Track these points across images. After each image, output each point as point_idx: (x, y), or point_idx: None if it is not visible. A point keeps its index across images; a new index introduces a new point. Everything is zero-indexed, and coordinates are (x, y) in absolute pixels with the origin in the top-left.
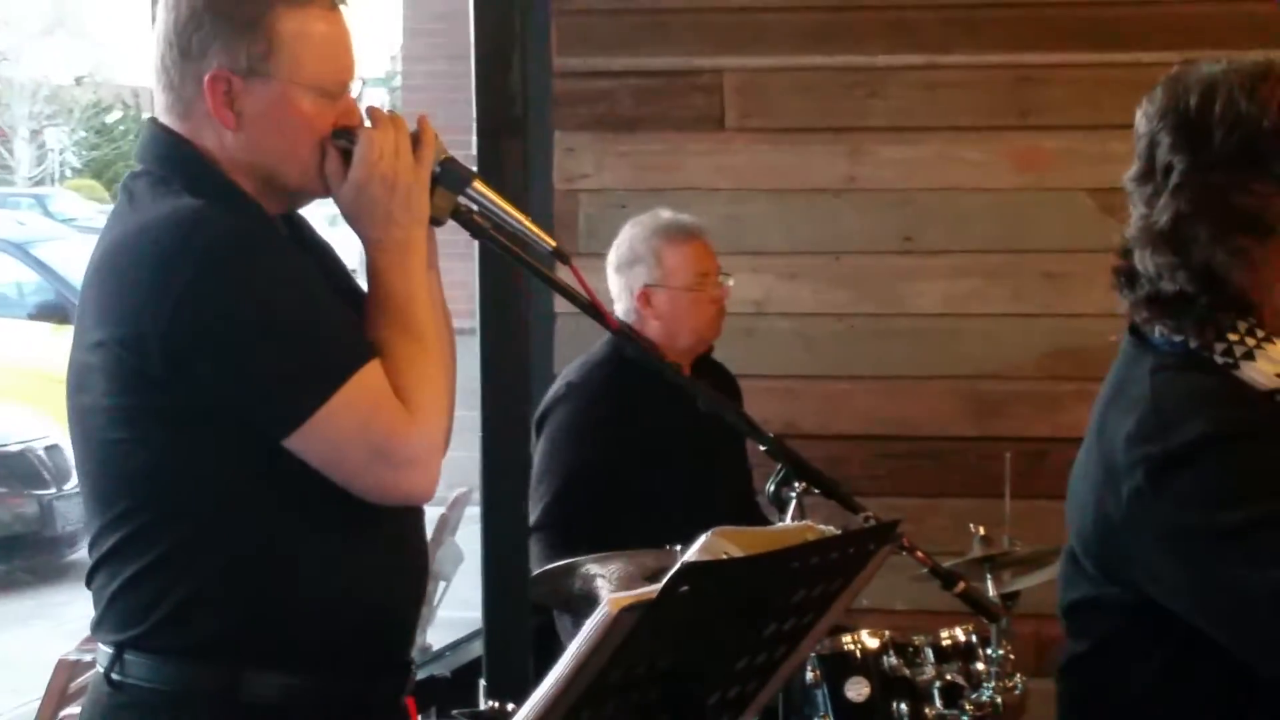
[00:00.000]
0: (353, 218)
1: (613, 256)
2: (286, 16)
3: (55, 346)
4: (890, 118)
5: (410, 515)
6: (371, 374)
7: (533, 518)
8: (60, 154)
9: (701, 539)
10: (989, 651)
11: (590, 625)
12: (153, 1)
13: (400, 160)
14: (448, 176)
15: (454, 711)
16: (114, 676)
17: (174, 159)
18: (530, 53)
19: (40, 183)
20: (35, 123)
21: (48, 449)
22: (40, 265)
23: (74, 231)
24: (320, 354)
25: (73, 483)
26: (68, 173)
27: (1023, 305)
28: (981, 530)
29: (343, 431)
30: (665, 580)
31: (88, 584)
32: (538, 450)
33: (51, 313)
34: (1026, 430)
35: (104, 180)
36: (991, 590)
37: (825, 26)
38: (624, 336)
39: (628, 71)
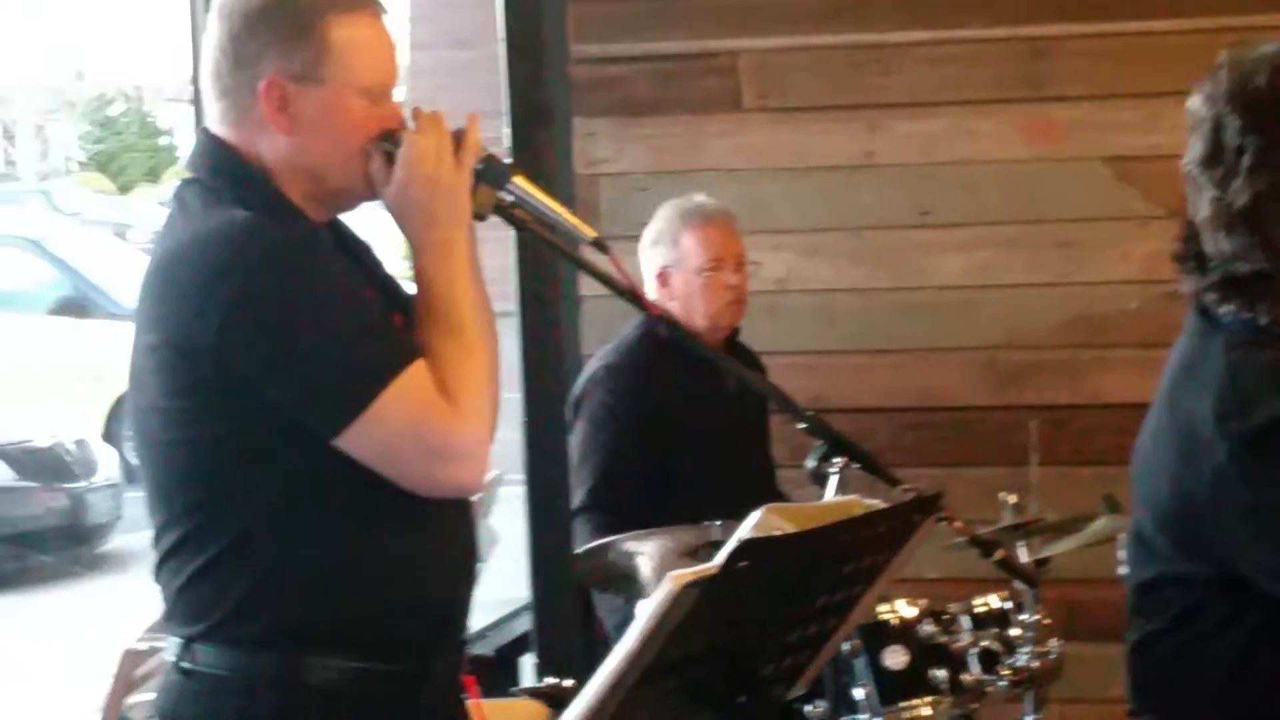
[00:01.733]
0: (398, 219)
1: (644, 236)
2: (337, 24)
3: (77, 341)
4: (904, 94)
5: (458, 504)
6: (416, 373)
7: (576, 500)
8: (64, 148)
9: (755, 516)
10: (1024, 617)
11: (653, 601)
12: (193, 12)
13: (442, 162)
14: (489, 173)
15: (512, 689)
16: (184, 665)
17: (224, 170)
18: (549, 42)
19: (45, 178)
20: (38, 118)
21: (77, 443)
22: (56, 261)
23: (84, 225)
24: (365, 356)
25: (101, 476)
26: (73, 167)
27: (1040, 275)
28: (1012, 498)
29: (391, 430)
30: (725, 556)
31: (155, 579)
32: (576, 433)
33: (71, 308)
34: (1047, 399)
35: (109, 173)
36: (1024, 557)
37: (837, 5)
38: (663, 321)
39: (644, 56)
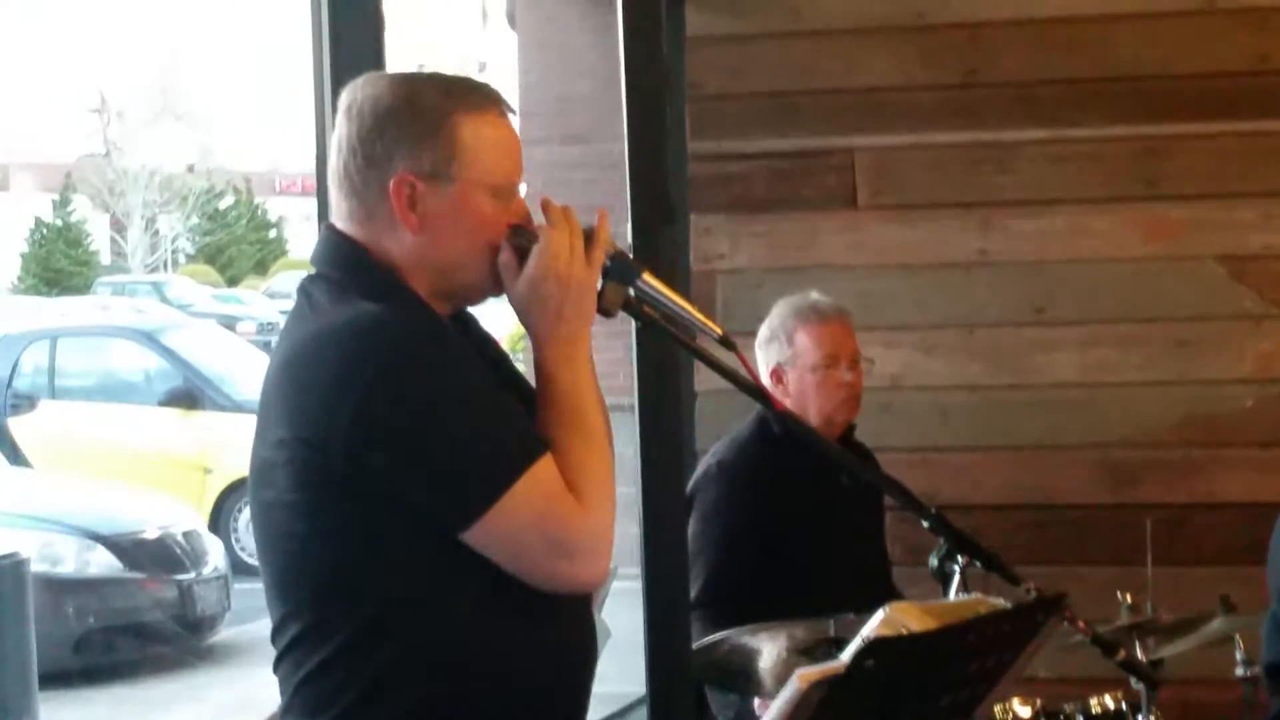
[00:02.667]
0: (524, 313)
1: (759, 333)
2: (466, 123)
3: (185, 433)
4: (1019, 191)
5: (579, 599)
6: (544, 468)
7: (693, 597)
8: (173, 240)
9: (880, 613)
10: (1140, 718)
11: (780, 700)
12: (319, 109)
13: (575, 259)
14: (619, 270)
15: None
16: None
17: (351, 264)
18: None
19: (154, 269)
20: (149, 210)
21: (185, 534)
22: (167, 352)
23: (192, 317)
24: (496, 450)
25: (210, 567)
26: (181, 259)
27: (1156, 373)
28: (1128, 598)
29: (519, 524)
30: (852, 654)
31: (274, 671)
32: (690, 529)
33: (180, 399)
34: (1164, 497)
35: (217, 265)
36: (1139, 657)
37: (952, 104)
38: (786, 417)
39: (760, 153)
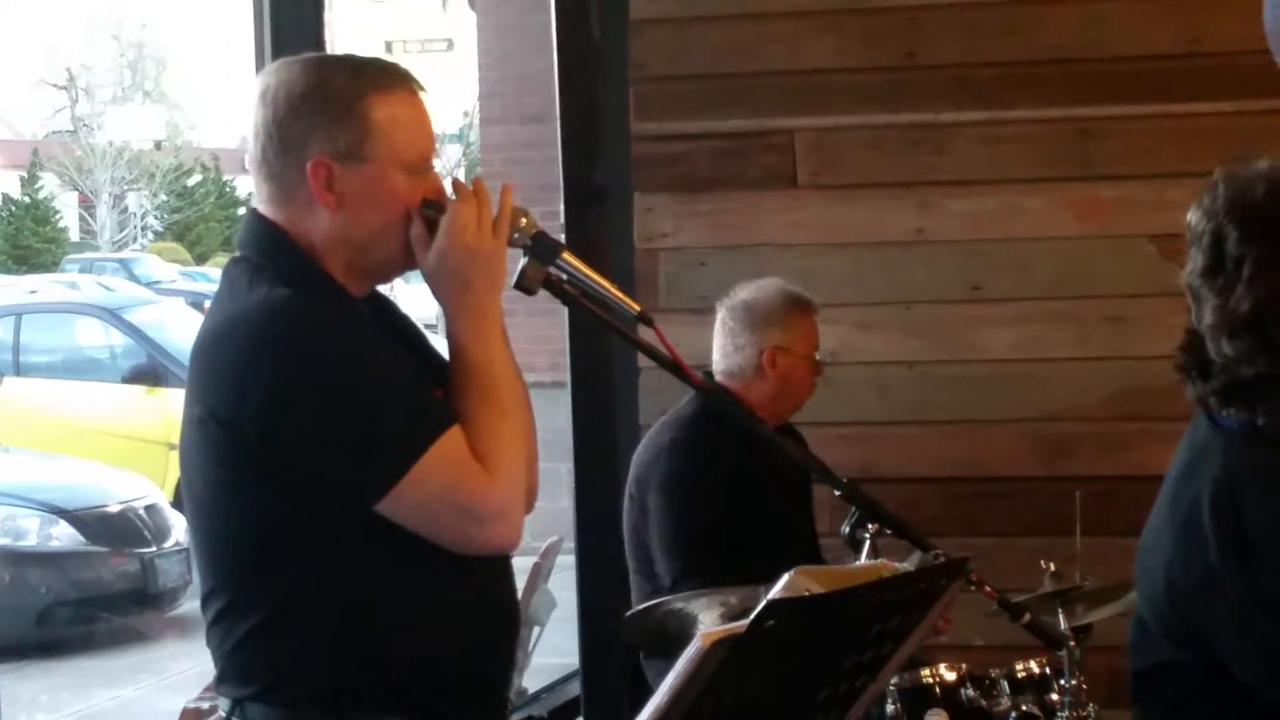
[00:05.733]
0: (434, 284)
1: (742, 311)
2: (377, 103)
3: (148, 409)
4: (956, 172)
5: (498, 563)
6: (451, 440)
7: (671, 575)
8: (141, 218)
9: (784, 577)
10: (1062, 682)
11: (684, 658)
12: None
13: (482, 231)
14: (539, 249)
15: None
16: None
17: (269, 247)
18: (611, 121)
19: (122, 246)
20: (117, 187)
21: (147, 508)
22: (131, 329)
23: (160, 294)
24: (402, 424)
25: (171, 541)
26: (149, 236)
27: (1088, 349)
28: (1052, 566)
29: (428, 494)
30: (752, 616)
31: (206, 641)
32: (656, 508)
33: (144, 376)
34: (1094, 470)
35: (185, 242)
36: (1063, 624)
37: (891, 86)
38: (709, 391)
39: (703, 134)
